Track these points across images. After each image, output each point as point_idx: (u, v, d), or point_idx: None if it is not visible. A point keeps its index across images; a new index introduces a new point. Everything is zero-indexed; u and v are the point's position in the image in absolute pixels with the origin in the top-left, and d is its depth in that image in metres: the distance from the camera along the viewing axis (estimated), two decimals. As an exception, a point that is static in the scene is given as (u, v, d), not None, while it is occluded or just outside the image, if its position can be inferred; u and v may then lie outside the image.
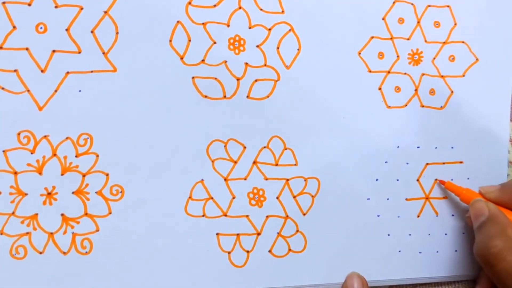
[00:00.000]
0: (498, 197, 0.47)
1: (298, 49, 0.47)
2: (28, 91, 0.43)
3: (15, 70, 0.42)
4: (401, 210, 0.49)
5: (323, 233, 0.47)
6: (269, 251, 0.47)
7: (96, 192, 0.44)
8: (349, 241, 0.48)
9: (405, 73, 0.49)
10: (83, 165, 0.44)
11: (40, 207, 0.43)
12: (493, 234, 0.42)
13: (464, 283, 0.51)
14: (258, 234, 0.47)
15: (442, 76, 0.49)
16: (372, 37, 0.48)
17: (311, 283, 0.47)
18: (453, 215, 0.50)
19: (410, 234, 0.49)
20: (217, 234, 0.46)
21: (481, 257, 0.43)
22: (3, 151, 0.43)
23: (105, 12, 0.43)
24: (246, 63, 0.46)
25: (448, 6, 0.49)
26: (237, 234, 0.46)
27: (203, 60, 0.45)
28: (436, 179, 0.50)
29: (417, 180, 0.49)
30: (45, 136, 0.43)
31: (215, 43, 0.45)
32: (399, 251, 0.49)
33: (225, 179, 0.46)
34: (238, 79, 0.46)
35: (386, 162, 0.49)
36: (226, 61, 0.46)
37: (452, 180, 0.50)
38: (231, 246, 0.46)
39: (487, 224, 0.44)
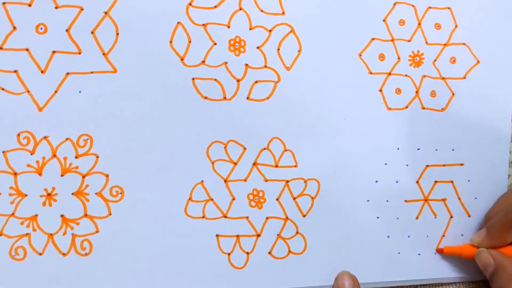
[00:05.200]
0: (490, 243, 0.47)
1: (299, 51, 0.47)
2: (28, 91, 0.43)
3: (15, 71, 0.42)
4: (400, 212, 0.49)
5: (323, 235, 0.47)
6: (269, 252, 0.47)
7: (96, 193, 0.44)
8: (349, 242, 0.48)
9: (406, 75, 0.49)
10: (83, 166, 0.44)
11: (39, 208, 0.43)
12: (505, 282, 0.43)
13: (464, 284, 0.51)
14: (258, 235, 0.46)
15: (443, 78, 0.49)
16: (373, 39, 0.48)
17: (311, 284, 0.47)
18: (451, 217, 0.50)
19: (409, 236, 0.49)
20: (217, 235, 0.46)
21: None
22: (3, 152, 0.42)
23: (106, 12, 0.43)
24: (247, 64, 0.46)
25: (448, 8, 0.49)
26: (237, 236, 0.46)
27: (203, 61, 0.45)
28: (435, 181, 0.50)
29: (417, 182, 0.49)
30: (45, 137, 0.43)
31: (215, 44, 0.45)
32: (399, 253, 0.49)
33: (225, 181, 0.46)
34: (238, 80, 0.46)
35: (386, 164, 0.49)
36: (226, 62, 0.45)
37: (453, 181, 0.50)
38: (231, 247, 0.46)
39: (496, 274, 0.45)
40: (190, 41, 0.45)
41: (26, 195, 0.43)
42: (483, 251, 0.47)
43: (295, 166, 0.47)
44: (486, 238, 0.47)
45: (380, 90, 0.48)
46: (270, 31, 0.46)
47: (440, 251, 0.49)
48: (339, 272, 0.47)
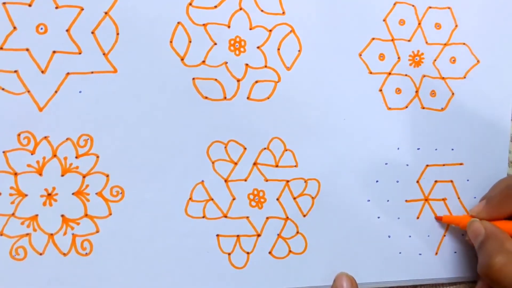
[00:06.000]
0: (488, 213, 0.47)
1: (299, 51, 0.47)
2: (29, 91, 0.43)
3: (16, 71, 0.42)
4: (401, 211, 0.49)
5: (323, 235, 0.47)
6: (269, 252, 0.47)
7: (96, 193, 0.44)
8: (349, 242, 0.48)
9: (406, 75, 0.49)
10: (83, 166, 0.44)
11: (40, 208, 0.43)
12: (492, 251, 0.42)
13: (464, 284, 0.51)
14: (258, 235, 0.46)
15: (443, 78, 0.49)
16: (373, 39, 0.48)
17: (311, 284, 0.47)
18: (453, 217, 0.50)
19: (410, 236, 0.49)
20: (217, 235, 0.46)
21: (486, 276, 0.42)
22: (3, 152, 0.42)
23: (106, 13, 0.43)
24: (247, 64, 0.46)
25: (449, 8, 0.49)
26: (237, 236, 0.46)
27: (203, 61, 0.45)
28: (435, 181, 0.50)
29: (417, 181, 0.49)
30: (45, 137, 0.43)
31: (215, 44, 0.45)
32: (400, 252, 0.49)
33: (226, 180, 0.46)
34: (238, 80, 0.46)
35: (386, 163, 0.49)
36: (226, 62, 0.45)
37: (452, 181, 0.50)
38: (231, 247, 0.46)
39: (486, 242, 0.44)
40: (190, 41, 0.45)
41: (26, 195, 0.43)
42: (475, 221, 0.46)
43: (295, 166, 0.47)
44: (485, 208, 0.47)
45: (380, 90, 0.48)
46: (270, 31, 0.46)
47: (439, 219, 0.49)
48: (337, 273, 0.47)
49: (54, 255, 0.43)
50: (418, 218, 0.49)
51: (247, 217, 0.46)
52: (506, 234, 0.44)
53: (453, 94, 0.50)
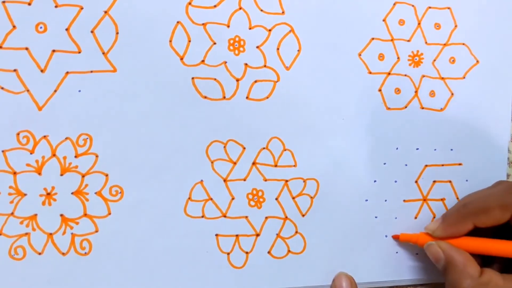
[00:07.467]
0: (444, 231, 0.46)
1: (298, 50, 0.47)
2: (28, 91, 0.42)
3: (15, 70, 0.42)
4: (399, 211, 0.49)
5: (322, 234, 0.47)
6: (268, 252, 0.47)
7: (95, 193, 0.44)
8: (348, 242, 0.48)
9: (405, 75, 0.49)
10: (83, 165, 0.44)
11: (39, 208, 0.43)
12: (457, 280, 0.42)
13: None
14: (257, 235, 0.47)
15: (442, 78, 0.49)
16: (373, 39, 0.48)
17: (310, 284, 0.47)
18: (451, 217, 0.50)
19: (408, 236, 0.49)
20: (216, 235, 0.46)
21: None
22: (2, 151, 0.42)
23: (105, 12, 0.43)
24: (246, 64, 0.46)
25: (448, 8, 0.49)
26: (236, 235, 0.46)
27: (203, 61, 0.45)
28: (434, 181, 0.50)
29: (416, 181, 0.49)
30: (44, 136, 0.43)
31: (215, 43, 0.45)
32: (397, 252, 0.49)
33: (225, 180, 0.46)
34: (237, 80, 0.46)
35: (384, 163, 0.49)
36: (226, 62, 0.45)
37: (451, 181, 0.50)
38: (230, 247, 0.46)
39: (448, 269, 0.44)
40: (189, 41, 0.45)
41: (25, 195, 0.43)
42: (432, 245, 0.45)
43: (294, 165, 0.47)
44: (441, 226, 0.46)
45: (380, 90, 0.48)
46: (270, 30, 0.46)
47: (396, 238, 0.49)
48: (337, 273, 0.47)
49: (53, 255, 0.43)
50: (416, 218, 0.49)
51: (246, 217, 0.46)
52: (466, 256, 0.43)
53: (452, 94, 0.50)
